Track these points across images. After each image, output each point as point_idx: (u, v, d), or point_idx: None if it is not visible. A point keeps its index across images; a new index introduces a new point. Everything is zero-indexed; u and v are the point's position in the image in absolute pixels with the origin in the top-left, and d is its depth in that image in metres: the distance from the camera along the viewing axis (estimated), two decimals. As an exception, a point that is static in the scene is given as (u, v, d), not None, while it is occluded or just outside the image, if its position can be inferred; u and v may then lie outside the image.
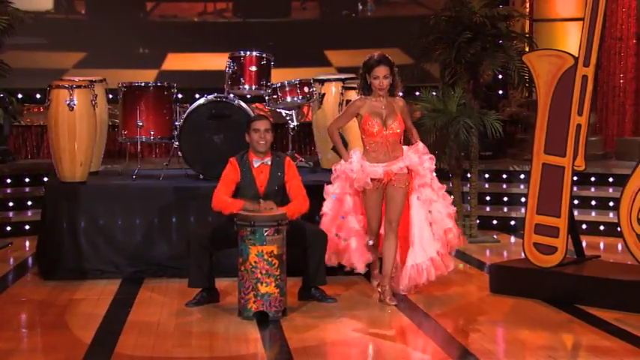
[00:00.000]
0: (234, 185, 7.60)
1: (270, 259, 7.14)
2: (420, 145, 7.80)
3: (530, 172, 8.00)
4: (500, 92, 12.61)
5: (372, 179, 7.56)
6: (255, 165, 7.60)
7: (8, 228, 10.61)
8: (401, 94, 7.90)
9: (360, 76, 7.67)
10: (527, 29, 12.26)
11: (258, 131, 7.56)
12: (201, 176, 9.26)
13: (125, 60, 12.33)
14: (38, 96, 12.15)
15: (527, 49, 10.60)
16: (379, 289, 7.72)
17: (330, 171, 9.83)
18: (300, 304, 7.65)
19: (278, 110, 10.15)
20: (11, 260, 9.54)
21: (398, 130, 7.60)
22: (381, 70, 7.53)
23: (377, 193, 7.62)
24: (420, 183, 7.74)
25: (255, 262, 7.14)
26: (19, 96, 12.07)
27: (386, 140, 7.57)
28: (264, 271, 7.14)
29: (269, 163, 7.62)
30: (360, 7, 13.09)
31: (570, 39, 12.07)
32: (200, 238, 7.59)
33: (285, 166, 7.66)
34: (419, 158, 7.71)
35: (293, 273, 7.66)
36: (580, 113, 7.74)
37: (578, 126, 7.74)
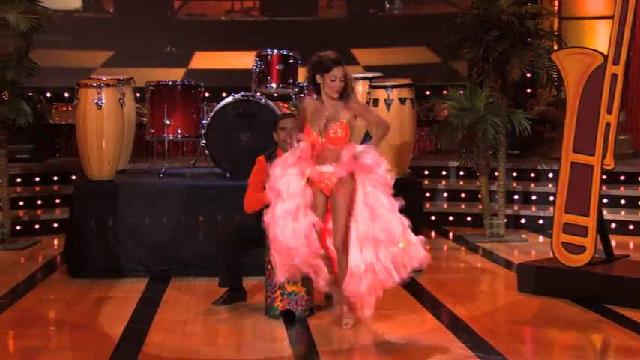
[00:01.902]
0: (263, 185, 7.58)
1: (297, 259, 7.12)
2: (370, 148, 7.01)
3: (558, 171, 7.95)
4: (529, 91, 12.55)
5: (307, 180, 6.86)
6: (283, 164, 7.57)
7: (37, 226, 10.67)
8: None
9: (309, 76, 7.04)
10: (555, 27, 12.18)
11: (285, 130, 7.54)
12: (228, 175, 9.27)
13: (153, 59, 12.36)
14: (67, 95, 12.21)
15: (555, 47, 10.54)
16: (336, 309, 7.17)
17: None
18: (327, 303, 7.63)
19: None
20: (40, 258, 9.59)
21: (340, 136, 6.87)
22: (339, 71, 6.91)
23: (318, 199, 6.89)
24: (370, 183, 6.88)
25: (282, 260, 7.12)
26: (48, 95, 12.13)
27: (323, 146, 6.90)
28: (291, 270, 7.13)
29: (296, 161, 7.58)
30: (388, 5, 13.05)
31: (599, 37, 11.98)
32: (228, 237, 7.60)
33: (312, 165, 7.62)
34: (361, 157, 6.90)
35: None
36: (609, 112, 7.68)
37: (607, 124, 7.68)
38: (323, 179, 6.86)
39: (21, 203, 10.87)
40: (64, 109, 12.39)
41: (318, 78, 6.95)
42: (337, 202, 6.84)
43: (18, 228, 10.49)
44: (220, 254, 7.58)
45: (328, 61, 6.95)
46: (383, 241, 6.74)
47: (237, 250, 7.57)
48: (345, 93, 6.94)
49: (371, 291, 6.73)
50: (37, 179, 11.23)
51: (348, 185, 6.84)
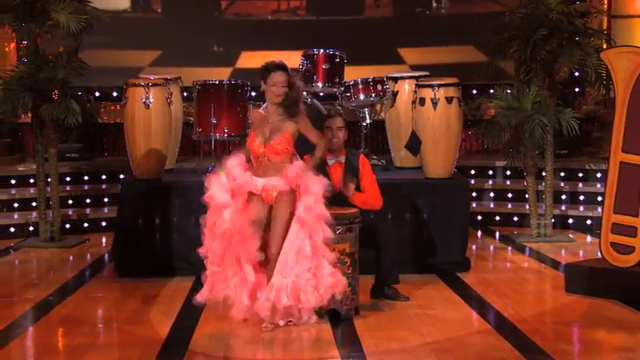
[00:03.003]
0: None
1: (342, 257, 7.13)
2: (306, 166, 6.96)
3: (607, 171, 7.87)
4: (577, 90, 12.44)
5: (249, 192, 6.91)
6: (330, 163, 7.60)
7: (85, 224, 10.78)
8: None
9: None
10: (604, 26, 12.06)
11: (330, 129, 7.56)
12: (274, 174, 9.28)
13: (200, 58, 12.42)
14: (115, 94, 12.32)
15: (604, 46, 10.43)
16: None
17: (403, 169, 9.87)
18: (373, 302, 7.64)
19: (351, 108, 10.15)
20: (88, 256, 9.69)
21: (279, 148, 6.85)
22: (279, 76, 6.90)
23: (256, 210, 6.89)
24: (306, 204, 6.84)
25: (327, 260, 7.13)
26: (97, 94, 12.25)
27: (265, 157, 6.89)
28: (336, 269, 7.13)
29: (343, 161, 7.62)
30: (434, 4, 13.00)
31: (650, 35, 11.87)
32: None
33: (360, 164, 7.65)
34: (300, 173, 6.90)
35: (366, 271, 7.65)
36: (659, 111, 7.60)
37: (657, 124, 7.60)
38: (265, 190, 6.88)
39: (70, 202, 11.00)
40: (113, 108, 12.50)
41: (262, 85, 7.00)
42: (278, 214, 6.85)
43: (67, 226, 10.61)
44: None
45: (270, 66, 6.98)
46: (306, 257, 6.77)
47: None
48: (294, 108, 6.91)
49: (287, 310, 6.79)
50: (86, 178, 11.35)
51: (290, 198, 6.86)
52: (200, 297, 6.98)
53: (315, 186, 6.86)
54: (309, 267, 6.79)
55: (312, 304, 6.79)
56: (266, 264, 6.92)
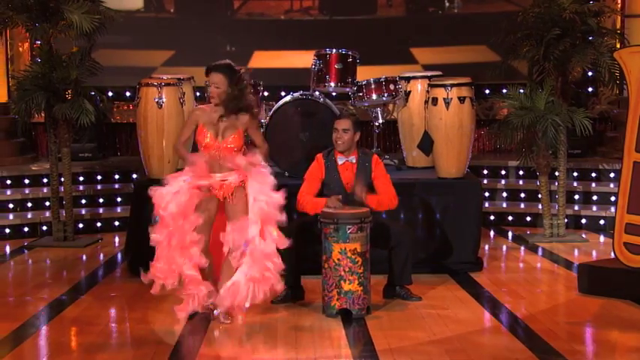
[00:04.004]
0: (319, 182, 7.63)
1: (353, 257, 7.14)
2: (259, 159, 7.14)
3: (620, 171, 7.85)
4: (590, 89, 12.40)
5: (202, 190, 7.05)
6: (340, 162, 7.61)
7: (98, 224, 10.81)
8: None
9: None
10: (618, 25, 12.02)
11: (336, 130, 7.59)
12: (286, 173, 9.29)
13: (212, 58, 12.33)
14: (128, 94, 12.36)
15: (618, 45, 10.40)
16: (211, 306, 7.22)
17: (416, 169, 9.86)
18: (385, 302, 7.64)
19: (363, 108, 10.15)
20: (101, 256, 9.71)
21: (232, 146, 7.04)
22: (213, 77, 7.09)
23: (209, 210, 7.09)
24: (260, 194, 7.02)
25: (338, 259, 7.15)
26: (110, 94, 12.29)
27: (218, 154, 7.05)
28: (347, 269, 7.15)
29: (354, 161, 7.62)
30: (447, 3, 12.99)
31: (663, 35, 11.81)
32: (287, 235, 7.61)
33: (372, 164, 7.65)
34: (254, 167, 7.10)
35: (379, 271, 7.65)
36: (673, 111, 7.57)
37: (671, 124, 7.57)
38: (221, 187, 7.02)
39: (83, 201, 11.03)
40: (125, 108, 12.54)
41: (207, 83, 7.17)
42: (235, 210, 7.02)
43: (80, 226, 10.64)
44: (279, 252, 7.60)
45: (208, 67, 7.17)
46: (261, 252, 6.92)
47: (296, 248, 7.59)
48: (237, 105, 7.06)
49: (242, 302, 6.91)
50: (99, 178, 11.38)
51: (243, 193, 7.03)
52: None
53: (260, 179, 7.02)
54: (259, 265, 6.91)
55: (248, 302, 6.91)
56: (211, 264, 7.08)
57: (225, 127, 7.10)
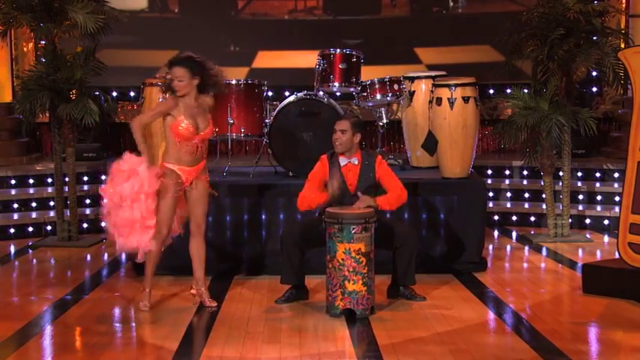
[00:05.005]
0: (320, 185, 7.62)
1: (357, 257, 7.13)
2: None
3: (625, 171, 7.84)
4: (594, 89, 12.39)
5: (173, 182, 7.36)
6: (342, 163, 7.61)
7: (102, 224, 10.79)
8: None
9: None
10: (622, 25, 12.01)
11: (335, 132, 7.59)
12: (290, 174, 9.30)
13: (216, 58, 12.28)
14: (132, 94, 12.36)
15: (622, 45, 10.39)
16: (193, 292, 7.61)
17: (420, 169, 9.86)
18: (389, 302, 7.64)
19: (367, 108, 10.15)
20: (105, 256, 9.72)
21: (208, 138, 7.44)
22: (175, 71, 7.25)
23: (175, 198, 7.40)
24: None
25: (342, 259, 7.15)
26: (114, 94, 12.30)
27: (197, 144, 7.33)
28: (351, 269, 7.14)
29: (356, 162, 7.62)
30: (451, 3, 12.99)
31: (667, 35, 11.80)
32: (292, 235, 7.64)
33: (375, 165, 7.64)
34: None
35: (383, 271, 7.65)
36: (677, 110, 7.56)
37: (675, 123, 7.56)
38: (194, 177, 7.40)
39: (87, 201, 11.03)
40: (130, 107, 12.55)
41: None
42: (200, 195, 7.47)
43: (84, 226, 10.65)
44: (284, 252, 7.62)
45: (170, 61, 7.33)
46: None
47: (300, 248, 7.60)
48: (218, 87, 7.39)
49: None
50: (103, 177, 11.34)
51: (207, 181, 7.53)
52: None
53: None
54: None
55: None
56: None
57: (201, 120, 7.29)
